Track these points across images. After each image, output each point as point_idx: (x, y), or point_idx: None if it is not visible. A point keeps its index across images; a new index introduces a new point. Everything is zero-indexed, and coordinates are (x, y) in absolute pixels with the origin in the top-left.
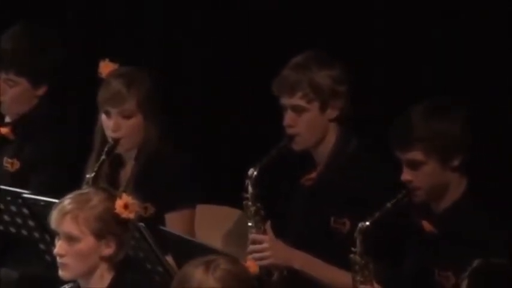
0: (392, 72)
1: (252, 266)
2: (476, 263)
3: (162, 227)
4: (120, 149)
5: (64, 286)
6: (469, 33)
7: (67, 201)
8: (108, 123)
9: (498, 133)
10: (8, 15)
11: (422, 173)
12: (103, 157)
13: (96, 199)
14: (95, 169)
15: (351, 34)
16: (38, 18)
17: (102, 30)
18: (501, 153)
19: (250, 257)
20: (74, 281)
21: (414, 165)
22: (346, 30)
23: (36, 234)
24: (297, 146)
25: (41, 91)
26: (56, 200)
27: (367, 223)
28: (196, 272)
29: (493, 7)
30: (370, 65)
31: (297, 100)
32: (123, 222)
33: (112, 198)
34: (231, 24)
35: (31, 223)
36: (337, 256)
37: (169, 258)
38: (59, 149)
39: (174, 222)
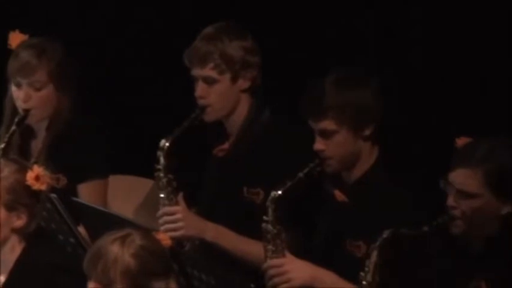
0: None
1: (164, 238)
2: (386, 233)
3: (74, 198)
4: (31, 120)
5: None
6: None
7: None
8: (19, 94)
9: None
10: None
11: (334, 142)
12: (13, 128)
13: (7, 170)
14: (5, 140)
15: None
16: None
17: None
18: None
19: (162, 228)
20: None
21: (326, 135)
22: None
23: None
24: (209, 117)
25: None
26: None
27: (279, 192)
28: (112, 247)
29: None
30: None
31: (208, 71)
32: (35, 194)
33: (23, 169)
34: None
35: None
36: (251, 227)
37: (81, 229)
38: None
39: (86, 193)
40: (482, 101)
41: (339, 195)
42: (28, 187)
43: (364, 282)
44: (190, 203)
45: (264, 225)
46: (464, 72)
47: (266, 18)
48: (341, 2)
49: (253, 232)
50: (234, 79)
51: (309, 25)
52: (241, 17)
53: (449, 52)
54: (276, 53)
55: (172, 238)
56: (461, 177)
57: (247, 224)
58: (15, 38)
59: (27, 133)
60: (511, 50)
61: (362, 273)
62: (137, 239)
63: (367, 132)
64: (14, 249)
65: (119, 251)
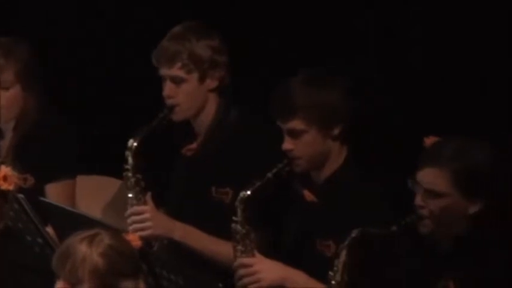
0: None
1: (134, 239)
2: (354, 232)
3: (42, 198)
4: None
5: None
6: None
7: None
8: None
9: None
10: None
11: (302, 142)
12: None
13: None
14: None
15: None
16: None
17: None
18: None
19: (131, 228)
20: None
21: (295, 135)
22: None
23: None
24: (177, 116)
25: None
26: None
27: (248, 192)
28: (80, 246)
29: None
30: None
31: (176, 71)
32: (2, 194)
33: None
34: None
35: None
36: (220, 226)
37: (49, 229)
38: None
39: (54, 193)
40: (482, 101)
41: (308, 195)
42: None
43: (333, 282)
44: (159, 202)
45: (233, 225)
46: (464, 72)
47: (266, 19)
48: (341, 2)
49: (223, 232)
50: (201, 79)
51: (309, 25)
52: (242, 17)
53: (449, 52)
54: (277, 53)
55: (141, 238)
56: (429, 177)
57: (216, 223)
58: None
59: None
60: (511, 50)
61: (331, 273)
62: (106, 239)
63: (336, 131)
64: None
65: (87, 250)
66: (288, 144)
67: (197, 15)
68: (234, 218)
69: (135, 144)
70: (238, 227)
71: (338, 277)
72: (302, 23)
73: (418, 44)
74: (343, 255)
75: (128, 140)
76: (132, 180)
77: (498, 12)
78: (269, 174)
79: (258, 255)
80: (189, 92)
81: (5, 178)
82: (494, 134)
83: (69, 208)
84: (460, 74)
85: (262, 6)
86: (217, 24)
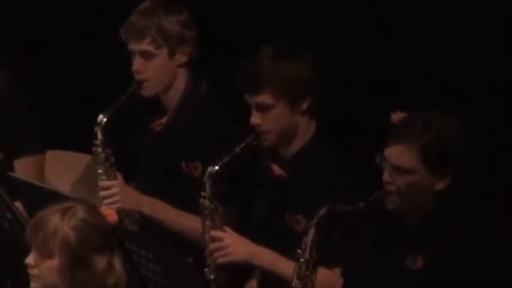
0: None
1: (111, 214)
2: (322, 210)
3: (10, 173)
4: None
5: None
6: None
7: None
8: None
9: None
10: None
11: (271, 116)
12: None
13: None
14: None
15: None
16: None
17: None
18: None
19: (103, 204)
20: None
21: (263, 109)
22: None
23: None
24: (146, 91)
25: None
26: None
27: (216, 167)
28: (52, 217)
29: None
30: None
31: (146, 46)
32: None
33: None
34: None
35: None
36: (190, 201)
37: (18, 205)
38: None
39: (23, 168)
40: (482, 101)
41: (276, 169)
42: None
43: (301, 260)
44: (129, 177)
45: (201, 200)
46: (464, 72)
47: (266, 19)
48: (341, 2)
49: (193, 206)
50: (171, 54)
51: (309, 25)
52: (243, 18)
53: (450, 52)
54: None
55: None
56: (397, 153)
57: (186, 198)
58: None
59: None
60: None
61: (299, 251)
62: (80, 212)
63: (304, 106)
64: None
65: (59, 223)
66: (255, 119)
67: (197, 15)
68: (202, 193)
69: (104, 119)
70: (207, 202)
71: (307, 255)
72: (302, 23)
73: (418, 44)
74: (311, 233)
75: (96, 115)
76: (102, 155)
77: (498, 12)
78: (237, 149)
79: (228, 229)
80: (158, 67)
81: None
82: (495, 134)
83: (38, 183)
84: (460, 73)
85: (263, 6)
86: (223, 25)
